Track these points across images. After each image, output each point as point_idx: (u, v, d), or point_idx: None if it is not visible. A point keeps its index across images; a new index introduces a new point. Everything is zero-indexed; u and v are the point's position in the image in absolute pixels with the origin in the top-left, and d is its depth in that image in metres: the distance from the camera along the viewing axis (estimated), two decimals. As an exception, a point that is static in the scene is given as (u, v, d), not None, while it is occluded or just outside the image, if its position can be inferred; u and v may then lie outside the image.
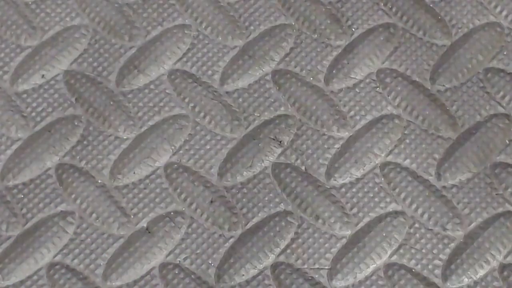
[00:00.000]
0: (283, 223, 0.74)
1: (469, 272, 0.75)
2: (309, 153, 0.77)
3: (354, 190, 0.76)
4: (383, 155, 0.78)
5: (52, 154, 0.77)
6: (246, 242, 0.74)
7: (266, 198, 0.76)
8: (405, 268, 0.75)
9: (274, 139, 0.78)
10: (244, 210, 0.75)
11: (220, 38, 0.83)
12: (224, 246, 0.74)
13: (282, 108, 0.79)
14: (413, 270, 0.75)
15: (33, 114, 0.79)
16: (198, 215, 0.75)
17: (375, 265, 0.74)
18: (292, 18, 0.83)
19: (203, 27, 0.83)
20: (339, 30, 0.83)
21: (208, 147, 0.78)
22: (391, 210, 0.76)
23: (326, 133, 0.79)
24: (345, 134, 0.78)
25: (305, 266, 0.73)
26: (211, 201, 0.75)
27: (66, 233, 0.74)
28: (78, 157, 0.77)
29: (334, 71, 0.81)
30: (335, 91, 0.80)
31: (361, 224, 0.75)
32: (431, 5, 0.84)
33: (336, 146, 0.78)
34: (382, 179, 0.77)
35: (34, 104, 0.80)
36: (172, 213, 0.75)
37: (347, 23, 0.83)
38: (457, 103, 0.81)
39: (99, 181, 0.76)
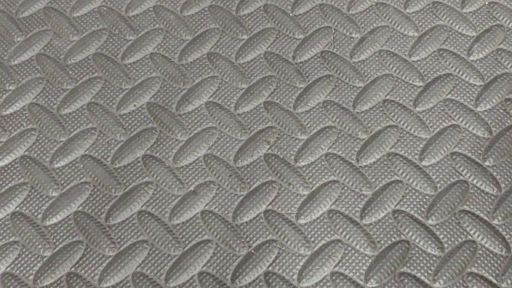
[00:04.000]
0: (270, 187, 0.76)
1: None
2: (284, 148, 0.78)
3: (310, 168, 0.77)
4: (326, 148, 0.78)
5: (140, 149, 0.78)
6: (249, 198, 0.75)
7: (260, 173, 0.77)
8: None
9: (265, 140, 0.79)
10: (248, 179, 0.76)
11: (234, 83, 0.82)
12: (237, 200, 0.75)
13: (269, 123, 0.80)
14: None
15: (129, 127, 0.80)
16: (222, 183, 0.76)
17: (322, 210, 0.74)
18: (274, 72, 0.83)
19: (224, 77, 0.83)
20: (301, 78, 0.82)
21: (228, 145, 0.79)
22: (330, 179, 0.76)
23: (293, 136, 0.79)
24: (304, 137, 0.79)
25: (282, 212, 0.74)
26: (230, 175, 0.77)
27: (148, 193, 0.75)
28: (155, 151, 0.78)
29: (298, 101, 0.81)
30: (299, 113, 0.80)
31: (316, 185, 0.75)
32: (353, 65, 0.82)
33: (300, 144, 0.78)
34: (326, 162, 0.77)
35: (130, 121, 0.80)
36: (208, 182, 0.76)
37: (305, 74, 0.82)
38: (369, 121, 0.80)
39: (166, 164, 0.77)
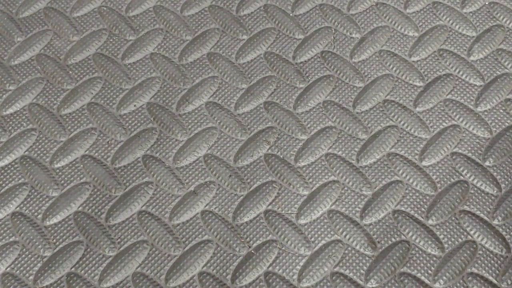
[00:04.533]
0: (270, 188, 0.76)
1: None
2: (284, 148, 0.78)
3: (310, 168, 0.77)
4: (326, 148, 0.78)
5: (140, 150, 0.79)
6: (249, 198, 0.75)
7: (260, 173, 0.77)
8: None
9: (265, 140, 0.79)
10: (249, 180, 0.77)
11: (234, 83, 0.82)
12: (237, 201, 0.75)
13: (269, 123, 0.80)
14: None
15: (129, 127, 0.80)
16: (222, 183, 0.76)
17: (322, 210, 0.74)
18: (274, 72, 0.83)
19: (225, 77, 0.83)
20: (301, 78, 0.82)
21: (228, 145, 0.79)
22: (330, 179, 0.76)
23: (294, 136, 0.79)
24: (304, 137, 0.79)
25: (282, 212, 0.74)
26: (230, 175, 0.77)
27: (148, 193, 0.75)
28: (155, 151, 0.78)
29: (299, 101, 0.81)
30: (299, 113, 0.80)
31: (316, 185, 0.76)
32: (353, 65, 0.83)
33: (300, 144, 0.78)
34: (326, 162, 0.77)
35: (130, 121, 0.80)
36: (208, 182, 0.76)
37: (306, 74, 0.83)
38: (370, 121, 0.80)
39: (166, 164, 0.77)
